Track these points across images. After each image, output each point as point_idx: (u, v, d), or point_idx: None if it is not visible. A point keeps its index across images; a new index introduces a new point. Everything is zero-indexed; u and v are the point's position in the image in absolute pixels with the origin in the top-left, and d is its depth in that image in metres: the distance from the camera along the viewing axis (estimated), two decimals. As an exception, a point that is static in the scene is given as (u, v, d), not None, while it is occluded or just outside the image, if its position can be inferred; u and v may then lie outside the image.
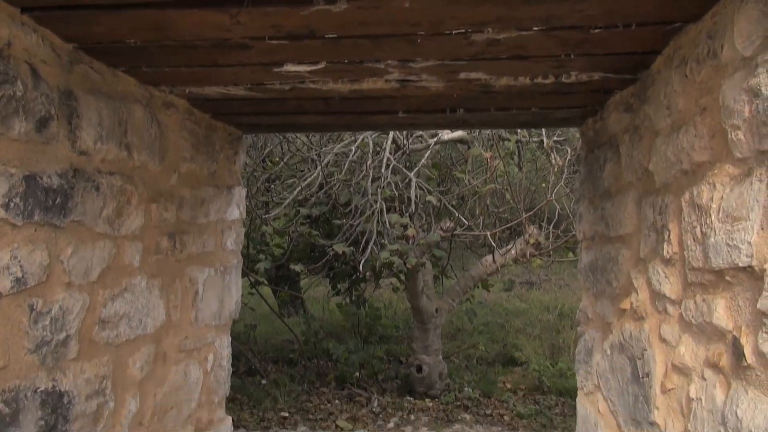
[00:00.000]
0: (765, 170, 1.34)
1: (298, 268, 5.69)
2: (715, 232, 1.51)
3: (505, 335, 9.22)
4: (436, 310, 7.00)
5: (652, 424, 1.89)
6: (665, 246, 1.82)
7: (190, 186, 2.56)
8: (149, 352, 2.28)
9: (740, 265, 1.40)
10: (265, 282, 8.09)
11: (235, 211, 2.97)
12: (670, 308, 1.81)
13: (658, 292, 1.87)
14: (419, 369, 7.08)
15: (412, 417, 6.67)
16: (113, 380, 2.05)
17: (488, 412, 6.73)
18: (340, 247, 5.62)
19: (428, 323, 6.99)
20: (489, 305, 10.79)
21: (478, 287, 7.75)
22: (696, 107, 1.66)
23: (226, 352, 2.93)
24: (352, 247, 5.65)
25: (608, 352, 2.34)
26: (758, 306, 1.32)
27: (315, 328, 7.48)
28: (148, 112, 2.19)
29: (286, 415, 6.74)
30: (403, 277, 6.74)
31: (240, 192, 3.02)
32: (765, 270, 1.31)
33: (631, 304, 2.09)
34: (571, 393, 7.27)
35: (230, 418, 3.00)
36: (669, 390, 1.79)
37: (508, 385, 7.56)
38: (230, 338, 3.00)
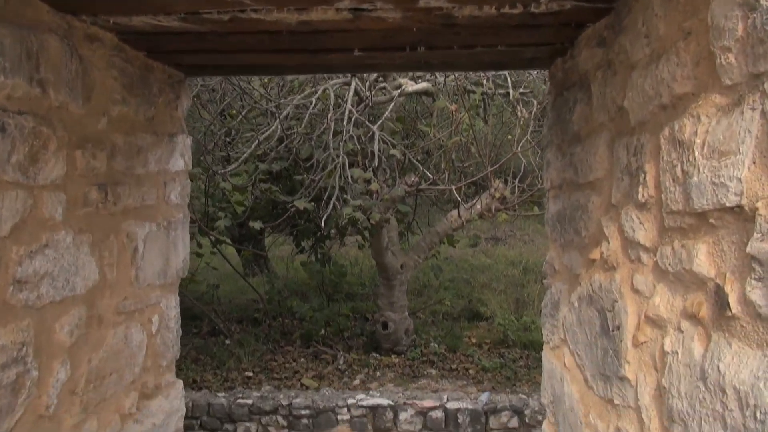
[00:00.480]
0: (758, 96, 1.17)
1: (257, 225, 5.45)
2: (698, 170, 1.35)
3: (470, 291, 9.20)
4: (402, 267, 6.87)
5: (622, 379, 1.77)
6: (640, 189, 1.66)
7: (124, 132, 2.30)
8: (80, 314, 2.05)
9: (727, 205, 1.24)
10: (227, 241, 7.84)
11: (179, 162, 2.71)
12: (644, 256, 1.66)
13: (631, 239, 1.72)
14: (385, 326, 6.99)
15: (378, 373, 6.60)
16: (36, 346, 1.83)
17: (454, 366, 6.71)
18: (301, 203, 5.40)
19: (394, 280, 6.87)
20: (455, 261, 10.76)
21: (443, 243, 7.64)
22: (679, 32, 1.48)
23: (174, 312, 2.71)
24: (313, 203, 5.43)
25: (576, 305, 2.21)
26: (748, 249, 1.16)
27: (278, 287, 7.30)
28: (67, 45, 1.91)
29: (251, 374, 6.61)
30: (367, 234, 6.58)
31: (184, 141, 2.76)
32: (757, 209, 1.16)
33: (602, 254, 1.94)
34: (535, 346, 7.29)
35: (181, 381, 2.81)
36: (641, 343, 1.66)
37: (474, 340, 7.55)
38: (179, 298, 2.78)
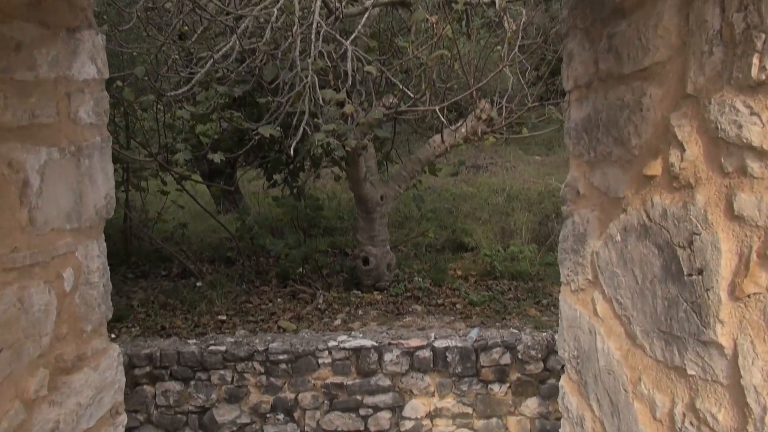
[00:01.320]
0: None
1: (218, 157, 4.78)
2: None
3: (453, 221, 8.69)
4: (381, 198, 6.28)
5: (707, 343, 1.22)
6: (754, 61, 1.06)
7: (-11, 19, 1.61)
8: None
9: None
10: (190, 176, 7.15)
11: (89, 67, 2.02)
12: (756, 165, 1.08)
13: (731, 140, 1.14)
14: (366, 261, 6.47)
15: (360, 312, 6.13)
16: None
17: (440, 301, 6.26)
18: (266, 130, 4.71)
19: (373, 212, 6.29)
20: (436, 191, 10.20)
21: (425, 172, 7.05)
22: None
23: (98, 263, 2.09)
24: (280, 130, 4.75)
25: (618, 238, 1.64)
26: None
27: (250, 223, 6.68)
28: None
29: (224, 318, 6.09)
30: (344, 164, 5.94)
31: (93, 40, 2.06)
32: None
33: (667, 167, 1.36)
34: (524, 277, 6.86)
35: (116, 347, 2.22)
36: (748, 296, 1.11)
37: (459, 272, 7.09)
38: (104, 244, 2.15)
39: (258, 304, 6.35)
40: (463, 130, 5.96)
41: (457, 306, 6.10)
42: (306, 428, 5.30)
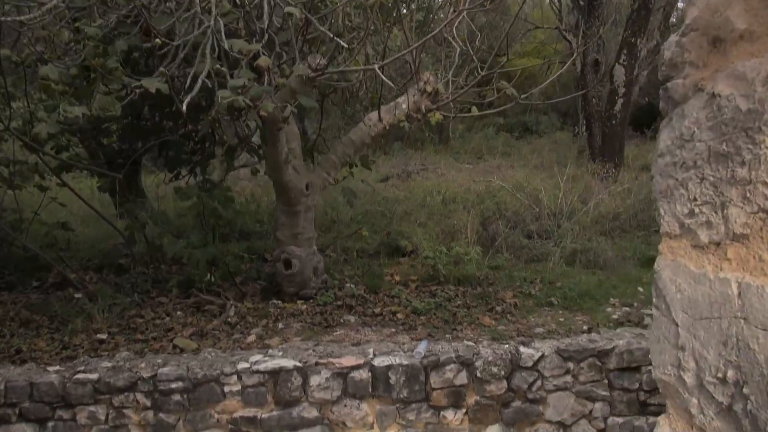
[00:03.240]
0: None
1: (77, 111, 3.44)
2: None
3: (387, 223, 7.60)
4: (307, 187, 5.10)
5: None
6: None
7: None
8: None
9: None
10: (72, 167, 5.68)
11: None
12: None
13: None
14: (288, 264, 5.23)
15: (281, 325, 4.88)
16: None
17: (377, 310, 5.10)
18: (151, 83, 3.45)
19: (297, 204, 5.09)
20: (366, 194, 9.10)
21: (356, 165, 5.94)
22: None
23: None
24: (167, 83, 3.49)
25: None
26: None
27: (144, 219, 5.29)
28: None
29: (104, 336, 4.66)
30: (260, 147, 4.73)
31: None
32: None
33: None
34: (470, 281, 5.83)
35: None
36: None
37: (397, 278, 5.97)
38: None
39: (151, 319, 4.96)
40: (404, 106, 4.91)
41: (398, 316, 4.97)
42: (207, 478, 3.98)
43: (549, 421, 4.14)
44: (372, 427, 4.04)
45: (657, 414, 4.42)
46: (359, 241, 7.02)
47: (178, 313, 5.12)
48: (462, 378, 4.07)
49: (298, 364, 4.00)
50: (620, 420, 4.16)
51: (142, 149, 5.57)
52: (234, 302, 5.22)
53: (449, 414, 4.08)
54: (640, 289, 5.78)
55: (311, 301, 5.32)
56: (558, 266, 6.43)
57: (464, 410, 4.09)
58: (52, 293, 5.50)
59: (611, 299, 5.51)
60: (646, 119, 14.68)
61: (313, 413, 3.99)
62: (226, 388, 3.95)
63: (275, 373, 3.97)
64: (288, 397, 3.97)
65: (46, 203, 6.31)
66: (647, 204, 7.82)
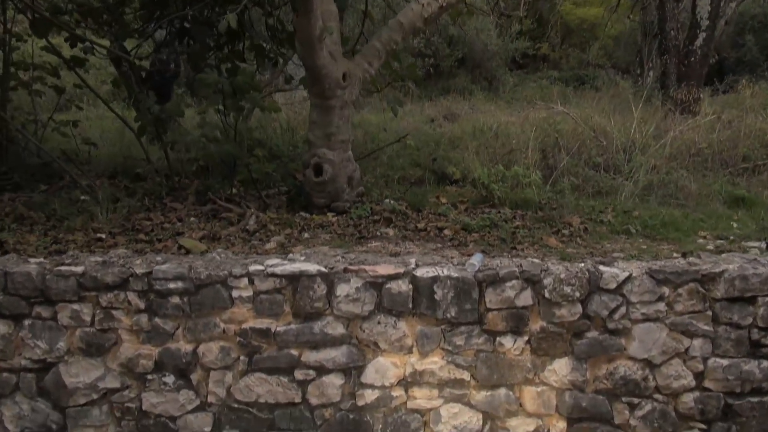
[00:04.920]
0: None
1: None
2: None
3: (432, 151, 6.70)
4: (344, 77, 4.23)
5: None
6: None
7: None
8: None
9: None
10: (93, 47, 4.92)
11: None
12: None
13: None
14: (318, 169, 4.42)
15: (306, 235, 4.08)
16: None
17: (421, 226, 4.26)
18: None
19: (332, 97, 4.25)
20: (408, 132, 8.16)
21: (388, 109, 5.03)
22: None
23: None
24: None
25: None
26: None
27: (156, 112, 4.53)
28: None
29: (102, 236, 3.96)
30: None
31: None
32: None
33: None
34: (531, 206, 4.91)
35: None
36: None
37: (444, 200, 5.11)
38: None
39: (160, 223, 4.24)
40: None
41: (446, 232, 4.11)
42: (209, 398, 3.25)
43: (632, 358, 3.25)
44: (410, 351, 3.23)
45: None
46: (400, 170, 6.16)
47: (192, 219, 4.39)
48: (526, 298, 3.20)
49: (323, 269, 3.19)
50: (724, 362, 3.24)
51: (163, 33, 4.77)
52: (256, 211, 4.45)
53: (507, 341, 3.22)
54: (734, 224, 4.76)
55: (344, 215, 4.51)
56: (630, 200, 5.44)
57: (526, 338, 3.23)
58: (57, 194, 4.85)
59: (701, 232, 4.52)
60: (716, 76, 13.25)
61: (339, 330, 3.20)
62: (235, 293, 3.18)
63: (294, 279, 3.18)
64: (309, 308, 3.18)
65: (62, 104, 5.65)
66: (733, 142, 6.71)
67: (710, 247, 4.05)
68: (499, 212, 4.59)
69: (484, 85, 15.28)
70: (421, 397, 3.24)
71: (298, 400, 3.22)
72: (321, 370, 3.22)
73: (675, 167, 6.08)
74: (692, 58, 8.45)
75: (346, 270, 3.20)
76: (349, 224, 4.27)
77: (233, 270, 3.19)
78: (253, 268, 3.20)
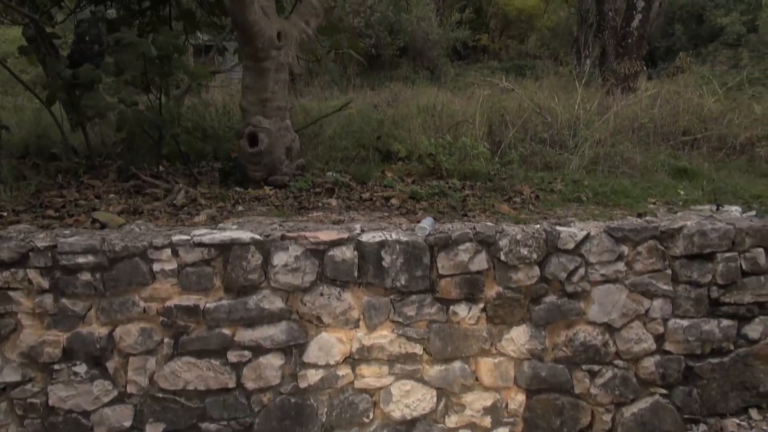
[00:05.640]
0: None
1: None
2: None
3: (376, 128, 6.39)
4: (279, 36, 3.87)
5: None
6: None
7: None
8: None
9: None
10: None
11: None
12: None
13: None
14: (253, 139, 4.05)
15: (241, 208, 3.70)
16: None
17: (366, 196, 3.96)
18: None
19: (266, 59, 3.88)
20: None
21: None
22: None
23: None
24: None
25: None
26: None
27: (66, 76, 4.02)
28: None
29: (4, 213, 3.45)
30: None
31: None
32: None
33: None
34: (480, 178, 4.70)
35: None
36: None
37: (390, 174, 4.82)
38: None
39: (74, 200, 3.75)
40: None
41: (392, 201, 3.82)
42: (129, 388, 2.83)
43: (592, 323, 3.05)
44: (357, 325, 2.92)
45: (732, 316, 3.33)
46: (343, 150, 5.82)
47: (111, 195, 3.91)
48: (480, 262, 2.94)
49: (258, 237, 2.84)
50: (684, 323, 3.09)
51: None
52: (185, 187, 4.02)
53: (461, 310, 2.96)
54: (681, 192, 4.70)
55: (284, 189, 4.14)
56: (578, 172, 5.32)
57: (481, 305, 2.98)
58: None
59: (650, 198, 4.42)
60: (648, 64, 13.59)
61: (277, 304, 2.85)
62: (156, 266, 2.78)
63: (225, 248, 2.80)
64: (243, 280, 2.81)
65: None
66: (673, 117, 6.74)
67: (662, 211, 3.92)
68: (448, 183, 4.33)
69: (426, 75, 15.16)
70: (370, 375, 2.94)
71: (232, 385, 2.85)
72: (258, 350, 2.85)
73: (620, 140, 6.02)
74: (629, 40, 8.51)
75: (283, 237, 2.85)
76: (288, 196, 3.91)
77: (154, 241, 2.79)
78: (177, 238, 2.80)
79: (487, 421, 3.04)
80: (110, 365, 2.80)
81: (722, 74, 8.90)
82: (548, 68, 16.17)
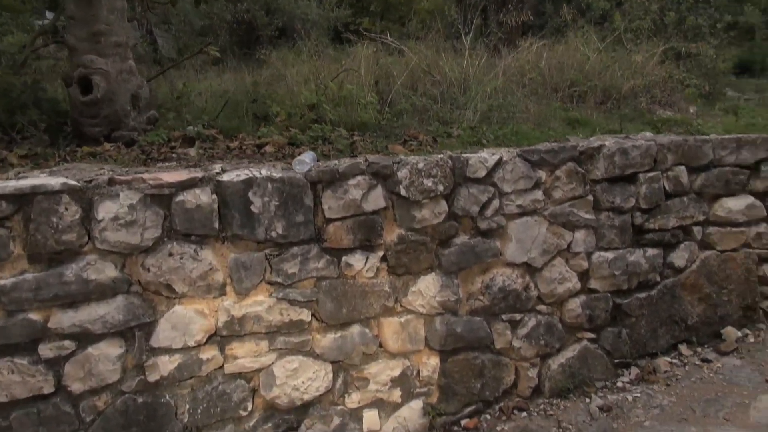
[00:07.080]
0: None
1: None
2: None
3: (250, 90, 5.60)
4: (106, -52, 3.00)
5: None
6: None
7: None
8: None
9: None
10: None
11: None
12: None
13: None
14: (86, 85, 3.16)
15: (67, 165, 2.82)
16: None
17: (233, 145, 3.22)
18: None
19: (90, -22, 2.99)
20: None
21: None
22: None
23: None
24: None
25: None
26: None
27: None
28: None
29: None
30: None
31: None
32: None
33: None
34: (371, 128, 4.11)
35: None
36: None
37: (265, 128, 4.09)
38: None
39: None
40: None
41: (266, 149, 3.11)
42: None
43: (510, 264, 2.56)
44: (223, 292, 2.20)
45: (657, 245, 2.92)
46: (206, 114, 4.98)
47: None
48: (376, 199, 2.33)
49: (74, 183, 2.03)
50: (609, 255, 2.69)
51: None
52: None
53: (356, 261, 2.34)
54: (579, 135, 4.40)
55: (131, 148, 3.28)
56: (474, 122, 4.90)
57: (380, 254, 2.38)
58: None
59: (550, 140, 4.06)
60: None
61: (108, 272, 2.06)
62: None
63: (25, 201, 1.97)
64: (54, 243, 2.00)
65: None
66: (560, 72, 6.59)
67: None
68: (334, 129, 3.69)
69: (306, 57, 14.40)
70: (245, 355, 2.23)
71: (49, 390, 2.03)
72: (85, 337, 2.05)
73: (511, 92, 5.73)
74: (509, 5, 8.34)
75: (112, 181, 2.07)
76: (134, 150, 3.07)
77: None
78: (-52, 190, 1.93)
79: (396, 395, 2.45)
80: None
81: (599, 31, 9.08)
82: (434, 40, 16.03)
